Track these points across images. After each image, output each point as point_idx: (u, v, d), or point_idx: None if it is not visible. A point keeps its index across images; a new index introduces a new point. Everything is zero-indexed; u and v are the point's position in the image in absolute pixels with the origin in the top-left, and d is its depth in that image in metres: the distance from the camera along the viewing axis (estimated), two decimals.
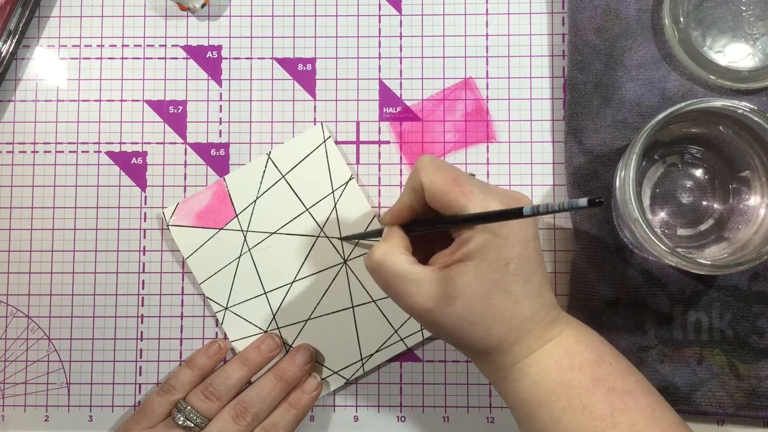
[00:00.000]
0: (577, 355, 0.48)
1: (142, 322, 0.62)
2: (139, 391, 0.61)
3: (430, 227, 0.50)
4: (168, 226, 0.61)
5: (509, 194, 0.48)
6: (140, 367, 0.62)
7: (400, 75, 0.62)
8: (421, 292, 0.47)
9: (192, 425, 0.56)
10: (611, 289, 0.58)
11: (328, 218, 0.61)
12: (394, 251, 0.49)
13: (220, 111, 0.63)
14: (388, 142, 0.62)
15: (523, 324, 0.47)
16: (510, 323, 0.47)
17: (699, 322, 0.58)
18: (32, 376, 0.62)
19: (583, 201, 0.38)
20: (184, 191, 0.62)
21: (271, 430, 0.57)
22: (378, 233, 0.55)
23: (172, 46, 0.63)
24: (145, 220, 0.62)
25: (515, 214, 0.43)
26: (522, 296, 0.47)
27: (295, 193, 0.61)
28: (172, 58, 0.63)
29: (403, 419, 0.61)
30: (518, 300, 0.47)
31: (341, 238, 0.60)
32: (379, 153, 0.62)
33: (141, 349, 0.62)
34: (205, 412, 0.57)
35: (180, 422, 0.56)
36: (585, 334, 0.49)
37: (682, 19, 0.59)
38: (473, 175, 0.60)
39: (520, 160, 0.61)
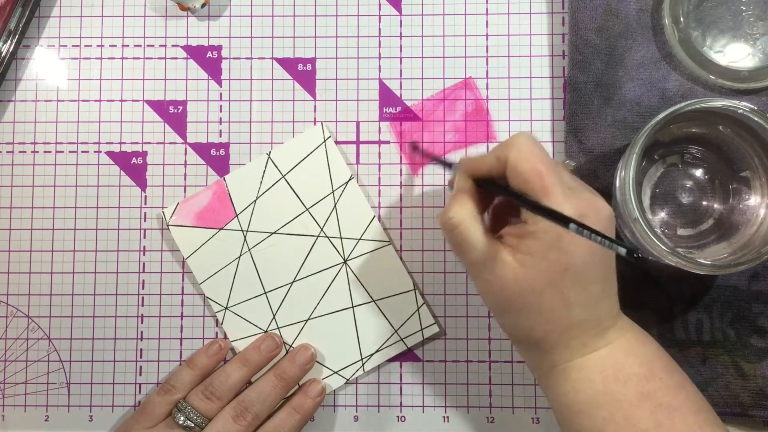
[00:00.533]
0: (625, 367, 0.48)
1: (142, 322, 0.62)
2: (139, 391, 0.61)
3: (503, 193, 0.50)
4: (168, 226, 0.61)
5: (590, 203, 0.47)
6: (140, 367, 0.62)
7: (400, 75, 0.62)
8: (486, 267, 0.48)
9: (192, 425, 0.56)
10: None
11: (328, 218, 0.61)
12: (470, 217, 0.49)
13: (220, 111, 0.63)
14: (388, 142, 0.62)
15: (568, 329, 0.47)
16: (556, 324, 0.47)
17: (700, 323, 0.58)
18: (32, 376, 0.62)
19: (622, 250, 0.41)
20: (184, 191, 0.62)
21: None
22: (447, 164, 0.56)
23: (172, 46, 0.63)
24: (145, 220, 0.62)
25: (561, 220, 0.44)
26: (575, 302, 0.47)
27: (295, 193, 0.61)
28: (172, 58, 0.63)
29: (403, 419, 0.61)
30: (570, 305, 0.47)
31: (410, 143, 0.60)
32: (379, 153, 0.62)
33: (141, 349, 0.62)
34: (205, 412, 0.57)
35: (180, 422, 0.56)
36: (638, 346, 0.49)
37: (682, 18, 0.59)
38: (572, 164, 0.60)
39: None
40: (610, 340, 0.48)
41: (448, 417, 0.61)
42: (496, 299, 0.49)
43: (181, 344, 0.62)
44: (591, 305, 0.47)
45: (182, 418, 0.56)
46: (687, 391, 0.48)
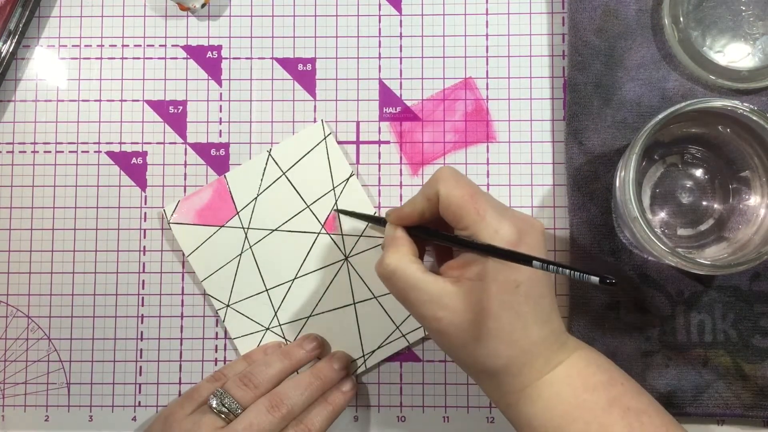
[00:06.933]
0: (589, 376, 0.48)
1: (142, 322, 0.62)
2: (139, 391, 0.61)
3: (437, 240, 0.51)
4: (169, 223, 0.61)
5: (523, 219, 0.48)
6: (140, 367, 0.62)
7: (400, 75, 0.62)
8: (433, 302, 0.48)
9: (226, 411, 0.55)
10: (608, 292, 0.58)
11: (329, 215, 0.61)
12: (406, 260, 0.50)
13: (220, 111, 0.63)
14: (388, 142, 0.62)
15: (531, 347, 0.47)
16: (519, 345, 0.47)
17: (702, 324, 0.58)
18: (32, 376, 0.61)
19: (594, 278, 0.40)
20: (184, 191, 0.62)
21: (309, 425, 0.56)
22: (376, 220, 0.58)
23: (172, 46, 0.63)
24: (145, 220, 0.62)
25: (524, 260, 0.44)
26: (532, 320, 0.47)
27: (296, 190, 0.61)
28: (172, 58, 0.63)
29: (403, 419, 0.61)
30: (528, 323, 0.47)
31: (338, 210, 0.60)
32: (379, 153, 0.62)
33: (141, 349, 0.62)
34: (240, 399, 0.55)
35: (214, 405, 0.55)
36: (594, 357, 0.50)
37: (681, 19, 0.59)
38: None
39: (520, 160, 0.61)
40: (569, 352, 0.49)
41: (448, 417, 0.61)
42: (452, 334, 0.48)
43: (181, 344, 0.62)
44: (545, 321, 0.48)
45: (216, 402, 0.55)
46: (647, 396, 0.49)
